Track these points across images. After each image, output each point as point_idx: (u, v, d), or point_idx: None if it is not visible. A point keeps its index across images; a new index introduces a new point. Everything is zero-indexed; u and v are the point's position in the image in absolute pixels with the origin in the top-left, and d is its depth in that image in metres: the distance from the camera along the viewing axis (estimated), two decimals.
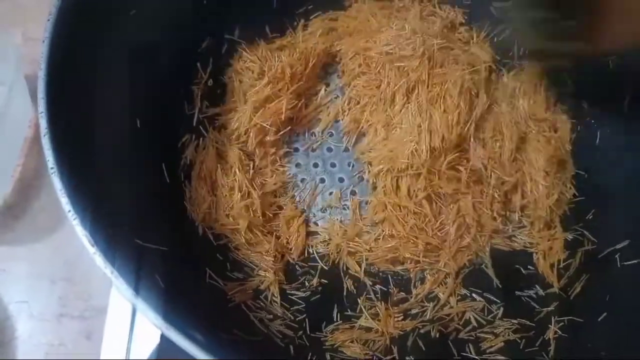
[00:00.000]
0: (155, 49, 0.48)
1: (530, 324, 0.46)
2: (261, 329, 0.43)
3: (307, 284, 0.48)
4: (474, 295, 0.48)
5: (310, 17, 0.57)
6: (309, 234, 0.50)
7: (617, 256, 0.47)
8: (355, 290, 0.48)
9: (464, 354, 0.45)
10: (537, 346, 0.45)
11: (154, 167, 0.47)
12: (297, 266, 0.49)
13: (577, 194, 0.52)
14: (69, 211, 0.32)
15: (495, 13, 0.57)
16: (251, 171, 0.50)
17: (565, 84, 0.54)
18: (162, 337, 0.40)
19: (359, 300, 0.48)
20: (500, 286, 0.49)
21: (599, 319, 0.44)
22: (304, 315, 0.46)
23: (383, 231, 0.49)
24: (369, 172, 0.51)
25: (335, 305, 0.47)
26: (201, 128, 0.51)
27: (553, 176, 0.51)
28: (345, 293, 0.48)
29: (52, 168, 0.33)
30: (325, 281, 0.49)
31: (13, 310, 0.51)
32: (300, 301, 0.47)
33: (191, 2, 0.52)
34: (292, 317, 0.46)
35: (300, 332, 0.45)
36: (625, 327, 0.43)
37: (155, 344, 0.42)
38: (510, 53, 0.57)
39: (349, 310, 0.47)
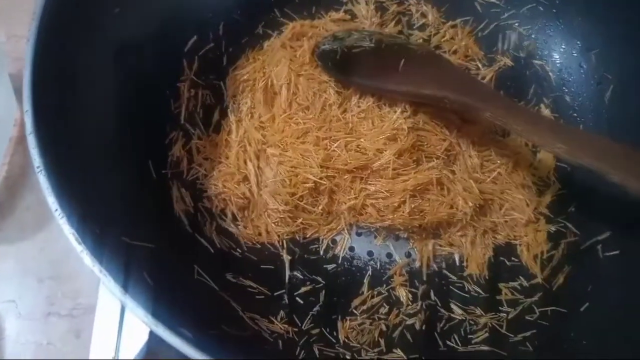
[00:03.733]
0: (140, 46, 0.48)
1: (515, 314, 0.47)
2: (250, 325, 0.43)
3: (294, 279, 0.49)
4: (458, 286, 0.49)
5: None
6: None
7: (599, 247, 0.48)
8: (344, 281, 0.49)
9: (450, 344, 0.46)
10: (521, 337, 0.45)
11: (141, 164, 0.47)
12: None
13: (560, 187, 0.52)
14: (56, 210, 0.32)
15: (480, 9, 0.58)
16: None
17: None
18: (151, 334, 0.40)
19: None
20: (486, 278, 0.50)
21: (581, 309, 0.45)
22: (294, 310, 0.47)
23: None
24: None
25: (324, 299, 0.48)
26: (187, 125, 0.51)
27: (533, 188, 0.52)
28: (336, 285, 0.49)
29: (38, 167, 0.33)
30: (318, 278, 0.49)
31: (1, 310, 0.51)
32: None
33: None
34: (283, 314, 0.46)
35: (290, 327, 0.45)
36: (607, 317, 0.44)
37: (144, 342, 0.43)
38: (495, 48, 0.58)
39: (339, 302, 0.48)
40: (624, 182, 0.39)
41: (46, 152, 0.34)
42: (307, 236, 0.51)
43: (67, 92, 0.40)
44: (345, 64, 0.52)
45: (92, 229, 0.35)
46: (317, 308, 0.47)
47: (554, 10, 0.56)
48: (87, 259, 0.32)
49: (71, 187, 0.34)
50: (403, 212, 0.49)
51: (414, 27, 0.59)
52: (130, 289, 0.33)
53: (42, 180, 0.33)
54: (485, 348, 0.45)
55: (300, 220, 0.50)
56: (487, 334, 0.46)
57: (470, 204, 0.49)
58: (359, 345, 0.46)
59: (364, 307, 0.48)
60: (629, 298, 0.44)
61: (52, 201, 0.33)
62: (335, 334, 0.46)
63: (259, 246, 0.50)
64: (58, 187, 0.33)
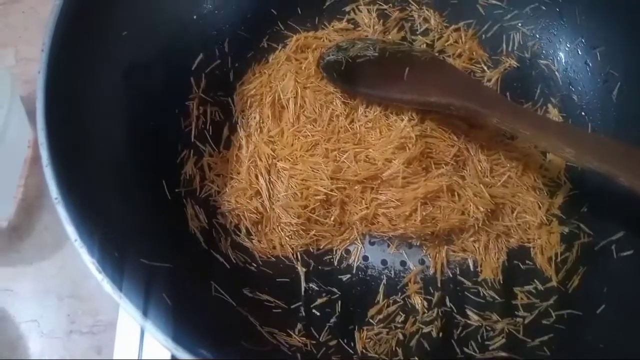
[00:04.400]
0: (148, 67, 0.49)
1: (531, 319, 0.47)
2: (269, 339, 0.44)
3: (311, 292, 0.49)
4: (473, 292, 0.49)
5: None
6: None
7: (613, 247, 0.48)
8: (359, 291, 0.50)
9: (467, 351, 0.46)
10: (538, 341, 0.46)
11: (155, 184, 0.47)
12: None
13: (572, 188, 0.52)
14: (76, 240, 0.33)
15: (482, 11, 0.58)
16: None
17: None
18: None
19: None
20: (501, 282, 0.50)
21: (598, 311, 0.45)
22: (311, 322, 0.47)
23: None
24: None
25: (340, 310, 0.48)
26: (198, 143, 0.52)
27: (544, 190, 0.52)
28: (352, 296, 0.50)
29: (56, 198, 0.34)
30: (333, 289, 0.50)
31: (24, 329, 0.52)
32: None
33: (181, 19, 0.52)
34: (301, 326, 0.47)
35: (308, 340, 0.46)
36: (624, 319, 0.44)
37: (167, 356, 0.43)
38: (500, 49, 0.58)
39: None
40: (632, 185, 0.39)
41: (63, 182, 0.35)
42: (321, 247, 0.51)
43: (80, 119, 0.41)
44: (350, 75, 0.52)
45: (111, 254, 0.35)
46: (333, 319, 0.48)
47: (557, 9, 0.56)
48: (107, 287, 0.33)
49: (89, 215, 0.35)
50: (415, 220, 0.49)
51: (417, 33, 0.59)
52: (149, 312, 0.34)
53: (61, 211, 0.34)
54: (503, 354, 0.45)
55: (313, 232, 0.50)
56: (504, 340, 0.46)
57: (482, 209, 0.50)
58: (376, 355, 0.46)
59: (380, 317, 0.48)
60: None
61: (71, 231, 0.33)
62: (352, 344, 0.47)
63: (273, 259, 0.50)
64: (77, 216, 0.34)
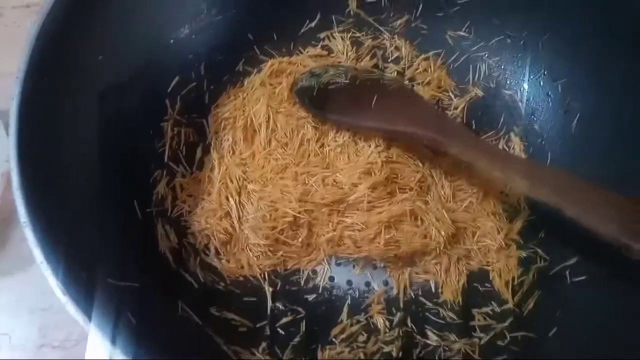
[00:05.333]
0: (123, 89, 0.50)
1: (487, 340, 0.49)
2: (232, 358, 0.45)
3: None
4: (433, 312, 0.51)
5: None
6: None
7: (567, 273, 0.50)
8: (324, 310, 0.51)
9: None
10: None
11: (126, 204, 0.49)
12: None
13: (530, 213, 0.55)
14: (42, 262, 0.34)
15: (451, 42, 0.61)
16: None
17: None
18: None
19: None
20: (460, 304, 0.52)
21: (550, 334, 0.47)
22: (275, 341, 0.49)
23: None
24: None
25: (304, 329, 0.50)
26: (171, 163, 0.53)
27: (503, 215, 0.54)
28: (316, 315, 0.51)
29: (24, 222, 0.35)
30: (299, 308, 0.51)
31: None
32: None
33: (158, 43, 0.54)
34: (265, 345, 0.48)
35: (271, 359, 0.47)
36: (575, 342, 0.46)
37: None
38: (466, 79, 0.60)
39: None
40: (577, 217, 0.41)
41: (31, 207, 0.36)
42: (288, 268, 0.53)
43: (53, 141, 0.42)
44: (321, 101, 0.54)
45: (78, 275, 0.37)
46: (297, 338, 0.49)
47: (522, 42, 0.59)
48: (71, 308, 0.34)
49: (57, 237, 0.36)
50: (379, 243, 0.51)
51: (389, 60, 0.61)
52: (112, 332, 0.35)
53: (28, 234, 0.35)
54: None
55: (281, 253, 0.52)
56: None
57: (443, 233, 0.52)
58: None
59: (343, 336, 0.50)
60: (595, 324, 0.46)
61: (38, 254, 0.35)
62: None
63: (241, 279, 0.52)
64: (43, 239, 0.35)
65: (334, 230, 0.51)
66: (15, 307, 0.55)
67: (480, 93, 0.60)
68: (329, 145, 0.54)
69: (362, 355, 0.49)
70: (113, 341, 0.34)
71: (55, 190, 0.40)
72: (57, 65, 0.43)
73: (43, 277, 0.55)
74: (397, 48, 0.61)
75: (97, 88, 0.47)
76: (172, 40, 0.55)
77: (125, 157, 0.49)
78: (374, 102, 0.52)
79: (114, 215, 0.46)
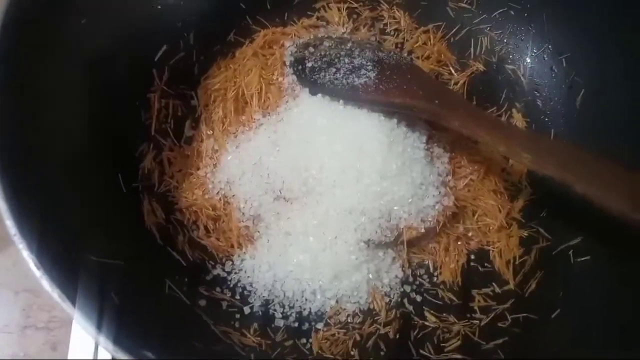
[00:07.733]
0: (108, 57, 0.47)
1: (487, 321, 0.47)
2: (222, 338, 0.43)
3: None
4: (432, 293, 0.49)
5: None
6: None
7: (570, 253, 0.48)
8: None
9: (423, 352, 0.46)
10: (492, 344, 0.46)
11: (110, 178, 0.46)
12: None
13: (532, 192, 0.53)
14: (15, 234, 0.32)
15: (452, 14, 0.58)
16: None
17: None
18: None
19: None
20: (459, 284, 0.50)
21: (553, 316, 0.46)
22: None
23: None
24: None
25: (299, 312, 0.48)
26: (158, 136, 0.51)
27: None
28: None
29: None
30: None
31: None
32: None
33: (144, 8, 0.51)
34: (257, 326, 0.46)
35: (263, 340, 0.45)
36: (578, 324, 0.45)
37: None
38: (467, 53, 0.58)
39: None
40: (587, 193, 0.39)
41: (8, 177, 0.33)
42: None
43: (34, 110, 0.39)
44: (317, 72, 0.52)
45: (55, 250, 0.34)
46: (291, 319, 0.47)
47: (525, 15, 0.56)
48: (45, 284, 0.32)
49: (32, 209, 0.34)
50: None
51: (387, 33, 0.59)
52: (89, 310, 0.33)
53: (1, 204, 0.32)
54: (458, 356, 0.45)
55: None
56: (459, 342, 0.46)
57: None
58: (332, 356, 0.46)
59: (339, 317, 0.48)
60: (599, 304, 0.44)
61: (10, 225, 0.32)
62: (309, 345, 0.46)
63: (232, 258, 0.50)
64: (17, 210, 0.33)
65: None
66: None
67: (481, 67, 0.57)
68: None
69: (357, 337, 0.47)
70: (98, 326, 0.32)
71: (32, 161, 0.37)
72: (35, 29, 0.40)
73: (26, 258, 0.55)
74: (395, 20, 0.59)
75: (80, 55, 0.45)
76: (159, 6, 0.52)
77: (110, 127, 0.47)
78: (372, 74, 0.50)
79: (98, 190, 0.44)
